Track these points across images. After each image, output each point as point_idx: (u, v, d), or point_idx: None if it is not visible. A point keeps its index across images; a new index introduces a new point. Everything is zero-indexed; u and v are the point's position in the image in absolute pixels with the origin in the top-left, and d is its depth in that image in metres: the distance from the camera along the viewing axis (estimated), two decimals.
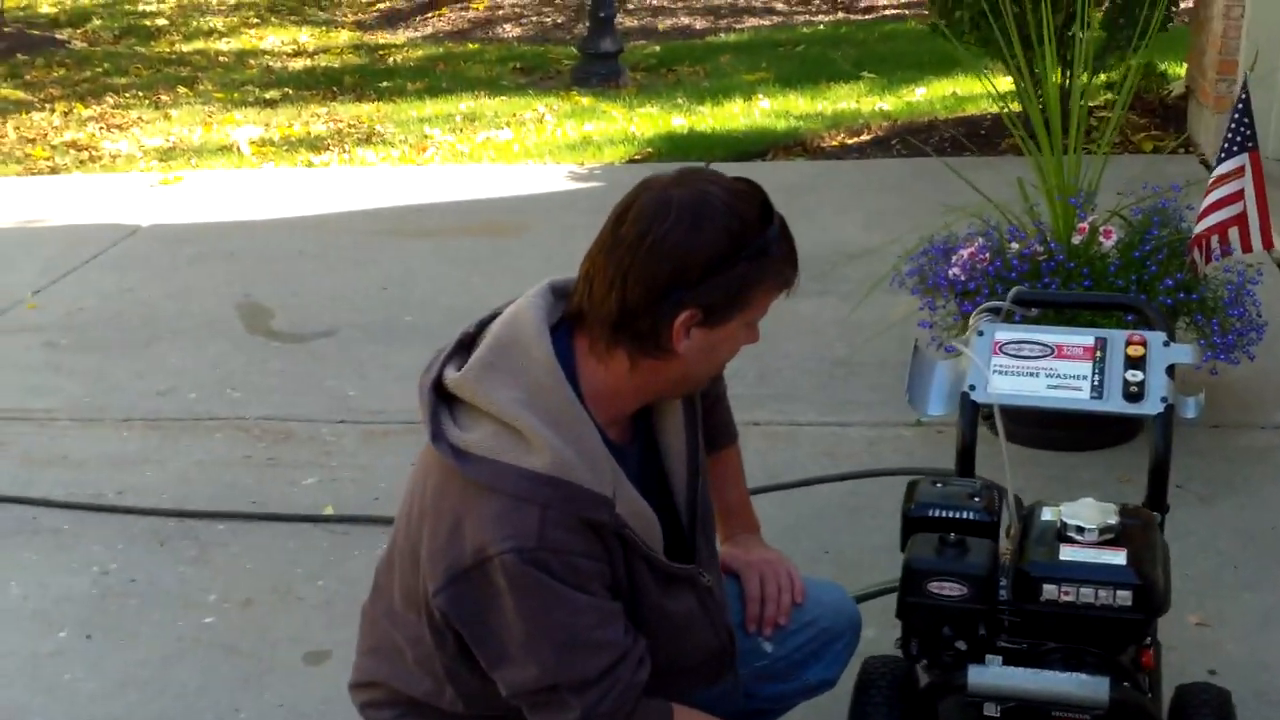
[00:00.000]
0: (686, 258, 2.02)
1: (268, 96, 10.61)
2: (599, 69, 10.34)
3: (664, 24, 13.25)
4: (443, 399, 2.13)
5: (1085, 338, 3.00)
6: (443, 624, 2.14)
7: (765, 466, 4.14)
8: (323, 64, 12.00)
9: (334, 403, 4.86)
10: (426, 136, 8.91)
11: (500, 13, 14.24)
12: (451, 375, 2.12)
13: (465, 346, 2.19)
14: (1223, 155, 4.15)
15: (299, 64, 12.09)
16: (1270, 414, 4.43)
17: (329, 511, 4.11)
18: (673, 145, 8.33)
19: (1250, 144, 4.10)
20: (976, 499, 2.70)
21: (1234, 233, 4.13)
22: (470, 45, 12.69)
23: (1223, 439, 4.26)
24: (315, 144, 8.90)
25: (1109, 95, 7.44)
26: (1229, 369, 4.23)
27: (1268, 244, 4.16)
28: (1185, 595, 2.62)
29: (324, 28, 13.95)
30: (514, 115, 9.41)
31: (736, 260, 2.04)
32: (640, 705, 2.16)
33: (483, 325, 2.21)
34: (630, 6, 13.74)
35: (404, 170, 8.17)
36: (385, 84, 10.89)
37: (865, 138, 8.30)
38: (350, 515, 4.07)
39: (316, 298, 5.92)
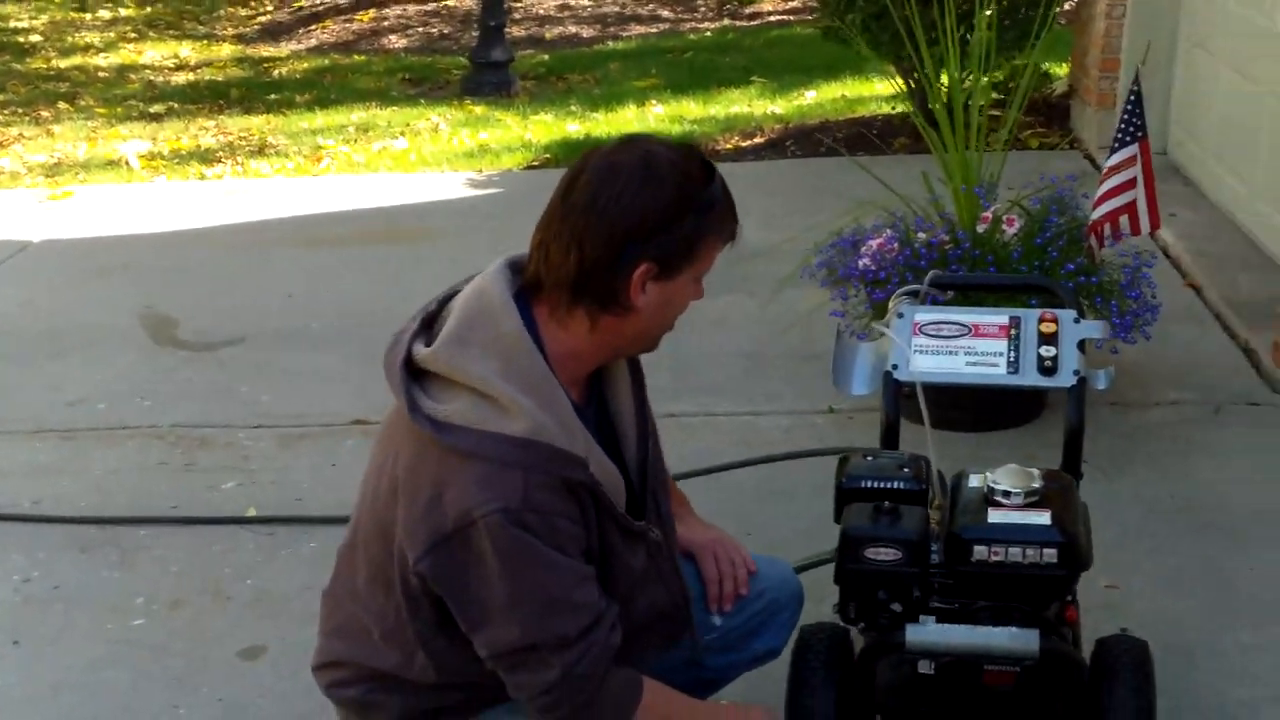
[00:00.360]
0: (640, 214, 2.13)
1: (153, 111, 10.49)
2: (490, 78, 10.37)
3: (551, 33, 13.30)
4: (412, 375, 2.18)
5: (1000, 317, 3.12)
6: (419, 592, 2.18)
7: (684, 456, 4.22)
8: (206, 77, 11.89)
9: (248, 408, 4.86)
10: (320, 147, 8.88)
11: (385, 24, 14.19)
12: (422, 351, 2.18)
13: (428, 324, 2.24)
14: (1116, 145, 4.29)
15: (182, 78, 11.97)
16: (1165, 391, 4.61)
17: (252, 513, 4.11)
18: (569, 151, 8.39)
19: (1140, 133, 4.25)
20: (905, 469, 2.80)
21: (1124, 219, 4.29)
22: (356, 57, 12.64)
23: (1122, 416, 4.44)
24: (206, 157, 8.83)
25: (995, 95, 7.64)
26: (1126, 350, 4.39)
27: (1155, 225, 4.33)
28: (1095, 561, 2.73)
29: (204, 41, 13.81)
30: (407, 125, 9.41)
31: (685, 214, 2.16)
32: (612, 671, 2.23)
33: (443, 302, 2.27)
34: (517, 16, 13.77)
35: (300, 181, 8.14)
36: (273, 96, 10.82)
37: (759, 140, 8.43)
38: (274, 516, 4.09)
39: (221, 307, 5.90)
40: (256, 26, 14.56)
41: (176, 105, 10.66)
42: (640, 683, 2.28)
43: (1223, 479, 4.06)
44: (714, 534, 2.76)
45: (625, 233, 2.13)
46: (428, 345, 2.19)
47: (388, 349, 2.24)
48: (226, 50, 13.28)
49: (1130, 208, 4.27)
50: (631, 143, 2.21)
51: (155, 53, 13.18)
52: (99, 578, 3.81)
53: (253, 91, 11.07)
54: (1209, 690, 3.13)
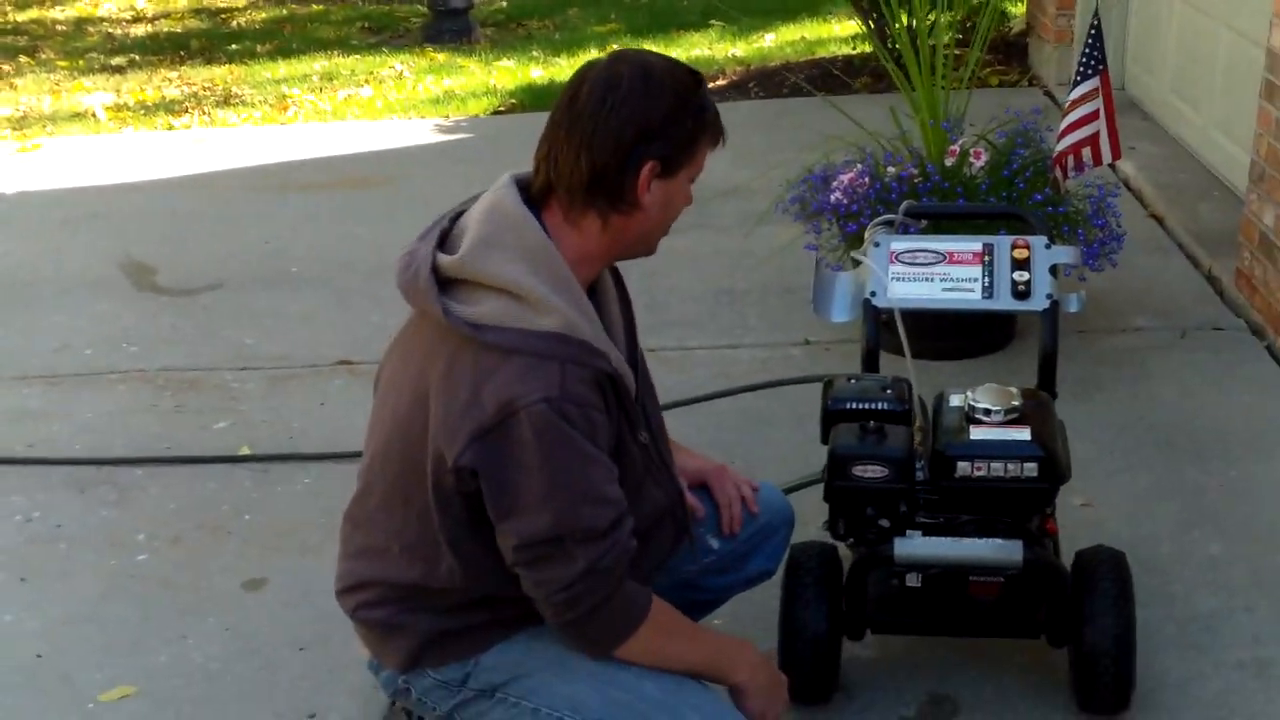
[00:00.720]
0: (646, 116, 2.25)
1: (114, 63, 10.46)
2: (450, 25, 10.38)
3: None
4: (439, 285, 2.29)
5: (974, 244, 3.23)
6: (452, 491, 2.26)
7: (665, 389, 4.27)
8: (165, 29, 11.85)
9: (234, 351, 4.93)
10: (286, 96, 8.90)
11: None
12: (446, 259, 2.28)
13: (442, 237, 2.34)
14: (1078, 79, 4.40)
15: (140, 30, 11.92)
16: (1130, 319, 4.75)
17: (245, 452, 4.20)
18: (534, 96, 8.44)
19: (1101, 65, 4.36)
20: (889, 391, 2.91)
21: (1086, 151, 4.41)
22: (315, 6, 12.61)
23: (1090, 342, 4.57)
24: (172, 108, 8.83)
25: (951, 34, 7.73)
26: (1093, 278, 4.52)
27: (1116, 155, 4.45)
28: (1070, 482, 2.86)
29: None
30: (371, 73, 9.43)
31: (684, 116, 2.29)
32: (626, 583, 2.32)
33: (454, 219, 2.37)
34: None
35: (268, 129, 8.17)
36: (234, 46, 10.80)
37: (721, 83, 8.49)
38: (268, 454, 4.17)
39: (199, 254, 5.95)
40: None
41: (138, 57, 10.63)
42: (650, 596, 2.37)
43: (1189, 401, 4.20)
44: (711, 463, 2.86)
45: (634, 133, 2.25)
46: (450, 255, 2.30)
47: (402, 267, 2.33)
48: (183, 1, 13.21)
49: (1094, 139, 4.39)
50: (624, 56, 2.33)
51: (112, 4, 13.11)
52: (99, 516, 3.89)
53: (213, 42, 11.05)
54: (1183, 601, 3.26)
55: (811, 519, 3.29)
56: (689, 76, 2.33)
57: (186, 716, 3.07)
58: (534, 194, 2.33)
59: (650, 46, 9.56)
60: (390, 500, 2.39)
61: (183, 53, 10.74)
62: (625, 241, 2.36)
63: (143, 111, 8.76)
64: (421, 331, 2.34)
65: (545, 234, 2.28)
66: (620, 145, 2.25)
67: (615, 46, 9.61)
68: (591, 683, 2.36)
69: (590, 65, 2.33)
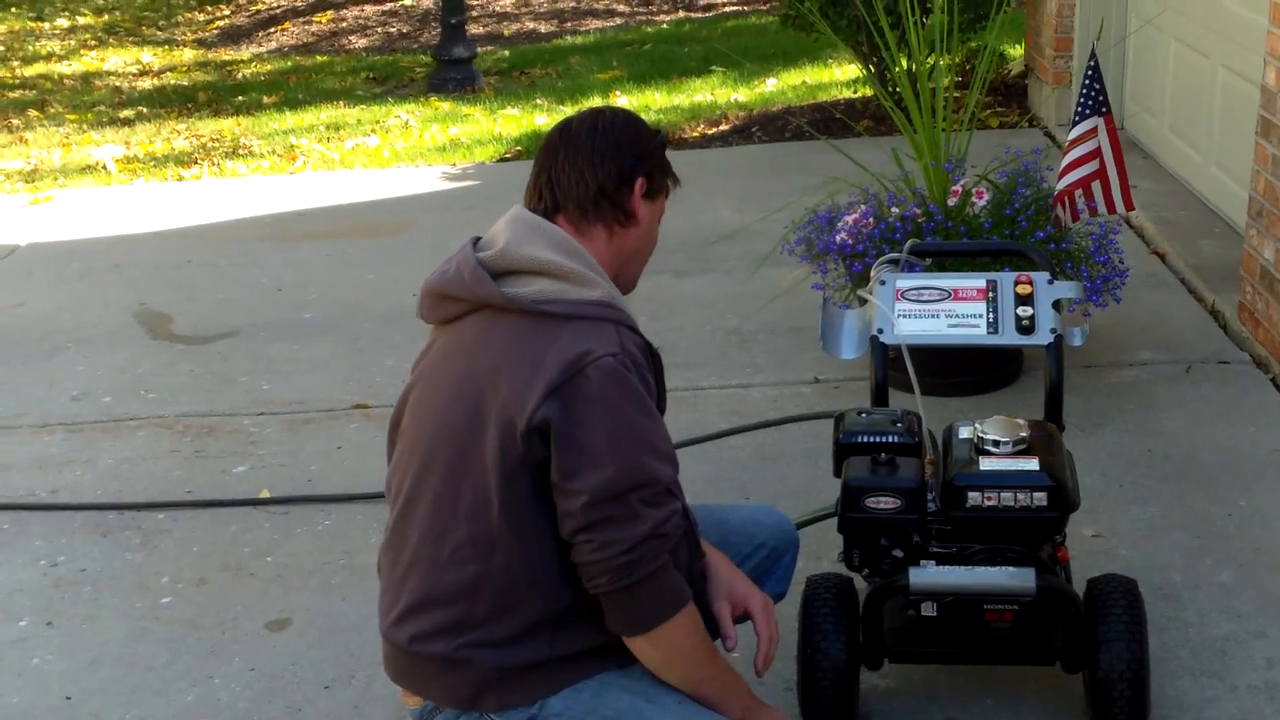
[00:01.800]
0: (636, 134, 2.55)
1: (122, 116, 10.57)
2: (454, 74, 10.49)
3: (509, 29, 13.43)
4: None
5: (978, 280, 3.31)
6: (520, 461, 2.34)
7: (679, 428, 4.36)
8: (172, 82, 11.96)
9: (251, 397, 5.00)
10: (294, 146, 9.00)
11: (344, 25, 14.29)
12: (488, 254, 2.45)
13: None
14: (1076, 119, 4.49)
15: (147, 83, 12.04)
16: (1135, 353, 4.81)
17: (266, 495, 4.26)
18: (539, 143, 8.52)
19: (1104, 108, 4.45)
20: (898, 424, 2.98)
21: (1096, 188, 4.49)
22: (319, 58, 12.74)
23: (1096, 377, 4.64)
24: (181, 159, 8.93)
25: (951, 77, 7.83)
26: (1097, 314, 4.59)
27: (1128, 206, 4.54)
28: (1080, 513, 2.91)
29: (165, 47, 13.86)
30: (377, 123, 9.53)
31: (658, 147, 2.58)
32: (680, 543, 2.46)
33: (474, 243, 2.52)
34: (475, 14, 13.89)
35: (277, 179, 8.26)
36: (240, 99, 10.91)
37: (724, 128, 8.59)
38: (288, 497, 4.23)
39: (213, 302, 6.03)
40: (215, 31, 14.61)
41: (145, 110, 10.73)
42: (689, 590, 2.46)
43: (1196, 433, 4.26)
44: (758, 592, 2.76)
45: (629, 148, 2.51)
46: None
47: (441, 275, 2.50)
48: (189, 55, 13.35)
49: (1098, 176, 4.46)
50: (601, 106, 2.61)
51: (118, 59, 13.23)
52: (123, 560, 3.95)
53: (219, 94, 11.16)
54: (1196, 627, 3.31)
55: (826, 552, 3.35)
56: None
57: None
58: (542, 214, 2.52)
59: (653, 93, 9.74)
60: (439, 509, 2.45)
61: (190, 105, 10.84)
62: (623, 256, 2.56)
63: (152, 163, 8.86)
64: (462, 330, 2.48)
65: (564, 233, 2.48)
66: (619, 158, 2.49)
67: (618, 94, 9.77)
68: None
69: (566, 119, 2.59)
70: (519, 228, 2.47)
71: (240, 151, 9.03)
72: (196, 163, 8.79)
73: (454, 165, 8.23)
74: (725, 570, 2.67)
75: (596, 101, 9.59)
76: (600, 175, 2.48)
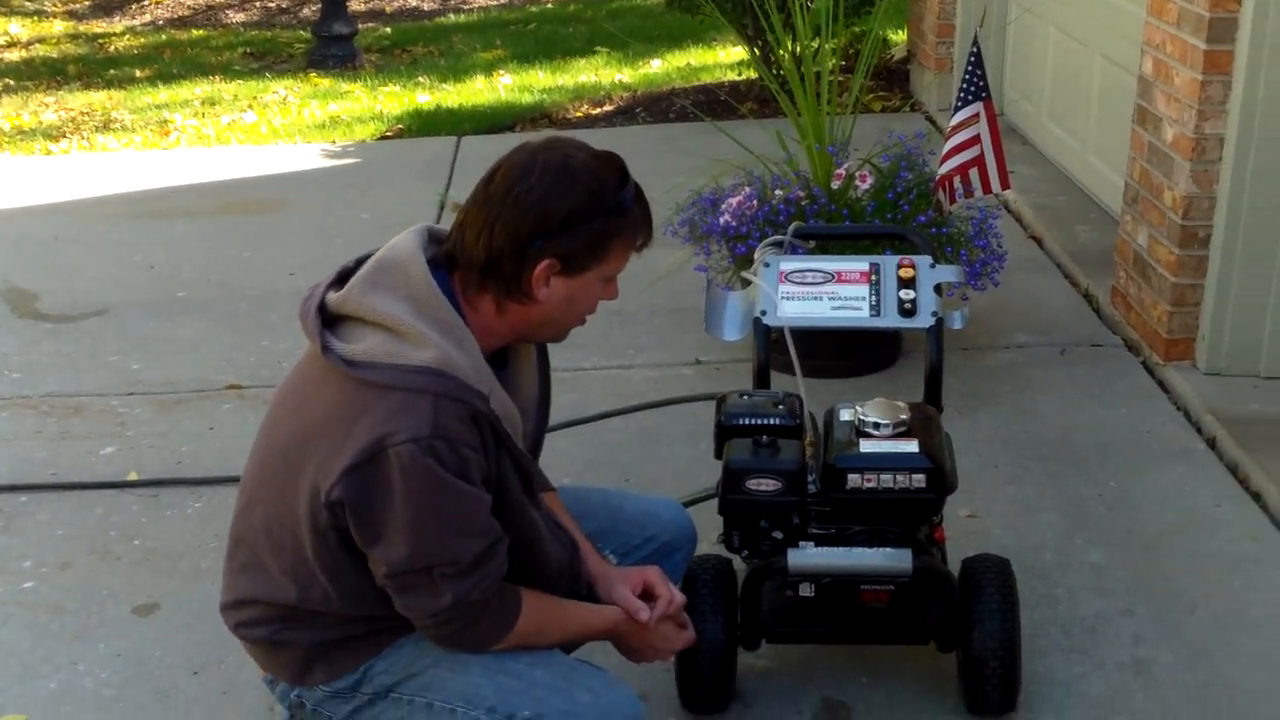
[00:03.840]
0: (548, 210, 2.27)
1: None
2: (335, 51, 10.35)
3: (391, 6, 13.29)
4: (326, 322, 2.32)
5: (861, 263, 3.31)
6: (328, 526, 2.28)
7: (559, 410, 4.29)
8: (41, 54, 11.67)
9: (120, 377, 4.87)
10: (167, 121, 8.81)
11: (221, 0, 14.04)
12: (334, 296, 2.32)
13: (343, 279, 2.36)
14: (958, 104, 4.51)
15: (15, 55, 11.73)
16: (1012, 336, 4.87)
17: (134, 477, 4.15)
18: (422, 121, 8.45)
19: (984, 94, 4.47)
20: (780, 406, 2.97)
21: (974, 174, 4.52)
22: (195, 32, 12.51)
23: (973, 359, 4.68)
24: (50, 133, 8.70)
25: (835, 60, 7.87)
26: (975, 297, 4.63)
27: (1005, 185, 4.57)
28: (956, 494, 2.93)
29: (35, 18, 13.53)
30: (254, 98, 9.37)
31: (594, 216, 2.30)
32: (497, 592, 2.36)
33: (360, 261, 2.39)
34: None
35: (150, 155, 8.08)
36: (112, 72, 10.67)
37: (609, 108, 8.56)
38: (157, 479, 4.13)
39: (81, 280, 5.87)
40: (87, 3, 14.28)
41: (12, 82, 10.46)
42: (520, 599, 2.40)
43: (1070, 415, 4.31)
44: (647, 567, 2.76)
45: (532, 227, 2.27)
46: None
47: (303, 301, 2.36)
48: (59, 26, 13.04)
49: (978, 162, 4.49)
50: (557, 144, 2.34)
51: None
52: None
53: (91, 67, 10.91)
54: (1067, 605, 3.35)
55: (706, 533, 3.33)
56: (613, 174, 2.33)
57: None
58: (445, 253, 2.37)
59: (536, 73, 9.67)
60: (270, 522, 2.41)
61: (59, 78, 10.58)
62: (524, 327, 2.40)
63: (19, 137, 8.62)
64: (313, 364, 2.36)
65: (432, 279, 2.29)
66: (518, 236, 2.27)
67: (501, 74, 9.69)
68: (484, 673, 2.40)
69: (521, 148, 2.36)
70: (380, 266, 2.31)
71: (112, 126, 8.83)
72: (66, 137, 8.58)
73: (334, 143, 8.11)
74: (610, 569, 2.67)
75: (479, 82, 9.52)
76: (495, 247, 2.28)
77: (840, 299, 3.27)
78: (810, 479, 2.88)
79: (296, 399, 2.39)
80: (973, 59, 4.46)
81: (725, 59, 9.69)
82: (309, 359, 2.40)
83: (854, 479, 2.83)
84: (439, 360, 2.22)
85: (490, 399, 2.27)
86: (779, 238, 3.49)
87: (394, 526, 2.24)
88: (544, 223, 2.26)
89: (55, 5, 14.20)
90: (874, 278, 3.28)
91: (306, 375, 2.39)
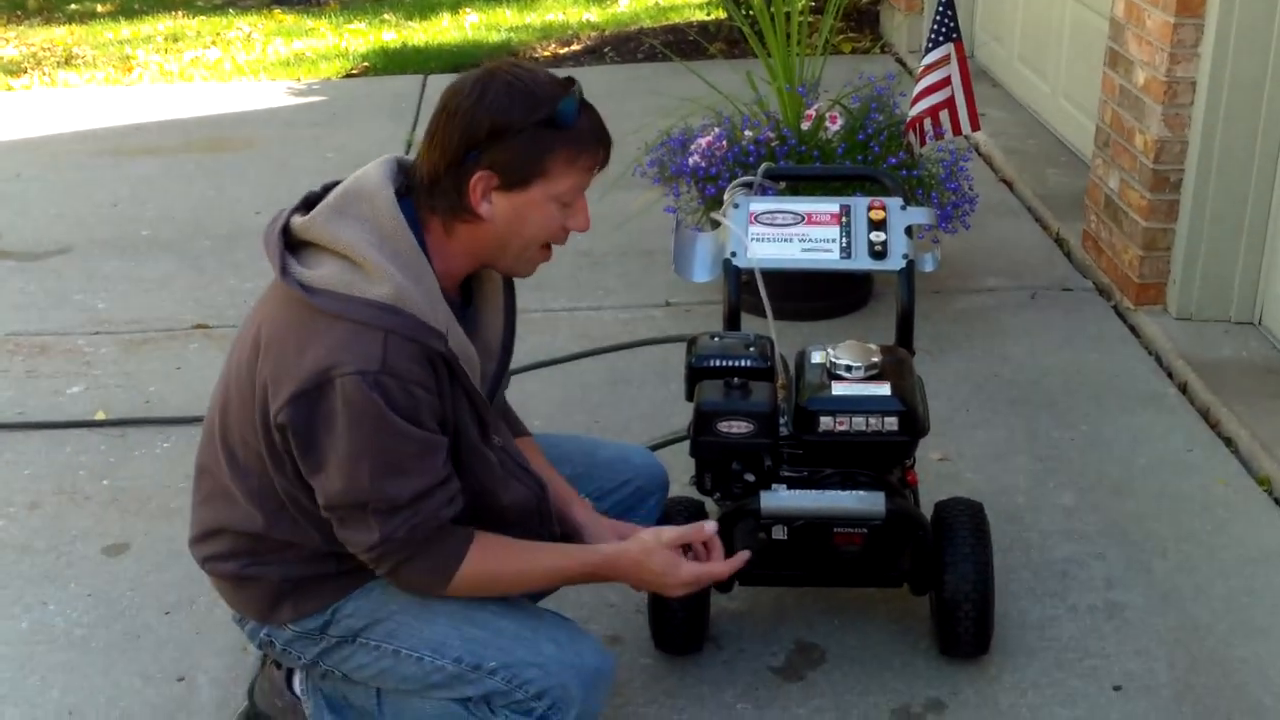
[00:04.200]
0: (477, 120, 2.23)
1: None
2: None
3: None
4: (289, 246, 2.30)
5: (832, 205, 3.30)
6: (282, 447, 2.27)
7: (528, 351, 4.33)
8: None
9: (85, 315, 4.83)
10: (129, 57, 8.71)
11: None
12: (298, 220, 2.30)
13: (309, 204, 2.33)
14: (929, 45, 4.49)
15: None
16: (983, 279, 4.87)
17: (101, 416, 4.12)
18: (388, 59, 8.37)
19: (954, 35, 4.46)
20: (751, 348, 2.96)
21: (944, 116, 4.51)
22: None
23: (945, 302, 4.68)
24: (10, 68, 8.59)
25: (805, 1, 7.83)
26: (946, 240, 4.62)
27: (975, 126, 4.57)
28: (928, 437, 2.92)
29: None
30: (218, 35, 9.27)
31: (524, 127, 2.23)
32: (439, 533, 2.33)
33: (327, 188, 2.36)
34: None
35: (113, 91, 7.98)
36: (73, 7, 10.55)
37: (576, 48, 8.50)
38: (125, 419, 4.10)
39: (44, 217, 5.81)
40: None
41: None
42: (468, 542, 2.36)
43: (1041, 359, 4.31)
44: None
45: (463, 138, 2.23)
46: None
47: (268, 224, 2.33)
48: None
49: (949, 104, 4.49)
50: (505, 63, 2.31)
51: None
52: None
53: (51, 2, 10.76)
54: (1039, 548, 3.36)
55: (678, 476, 3.33)
56: (549, 86, 2.27)
57: (51, 683, 3.01)
58: (411, 183, 2.34)
59: (504, 10, 9.59)
60: (233, 447, 2.39)
61: (19, 12, 10.45)
62: (477, 250, 2.35)
63: None
64: (274, 290, 2.34)
65: (398, 209, 2.27)
66: (455, 148, 2.25)
67: (468, 12, 9.60)
68: (450, 622, 2.40)
69: (466, 71, 2.34)
70: (346, 194, 2.29)
71: (73, 61, 8.72)
72: (26, 72, 8.47)
73: (299, 80, 8.03)
74: (598, 520, 2.66)
75: (445, 19, 9.43)
76: (437, 165, 2.27)
77: (811, 241, 3.26)
78: (782, 421, 2.88)
79: (255, 325, 2.37)
80: (942, 2, 4.44)
81: None
82: (271, 288, 2.38)
83: (826, 421, 2.82)
84: (394, 296, 2.20)
85: (449, 337, 2.26)
86: (749, 179, 3.46)
87: (333, 459, 2.23)
88: (474, 133, 2.23)
89: None
90: (844, 220, 3.27)
91: (267, 300, 2.37)
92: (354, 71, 8.24)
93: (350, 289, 2.20)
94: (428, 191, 2.29)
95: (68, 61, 8.72)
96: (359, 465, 2.22)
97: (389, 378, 2.18)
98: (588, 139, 2.31)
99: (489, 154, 2.24)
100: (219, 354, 4.37)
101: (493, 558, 2.40)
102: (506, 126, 2.22)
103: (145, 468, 3.86)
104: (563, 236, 2.39)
